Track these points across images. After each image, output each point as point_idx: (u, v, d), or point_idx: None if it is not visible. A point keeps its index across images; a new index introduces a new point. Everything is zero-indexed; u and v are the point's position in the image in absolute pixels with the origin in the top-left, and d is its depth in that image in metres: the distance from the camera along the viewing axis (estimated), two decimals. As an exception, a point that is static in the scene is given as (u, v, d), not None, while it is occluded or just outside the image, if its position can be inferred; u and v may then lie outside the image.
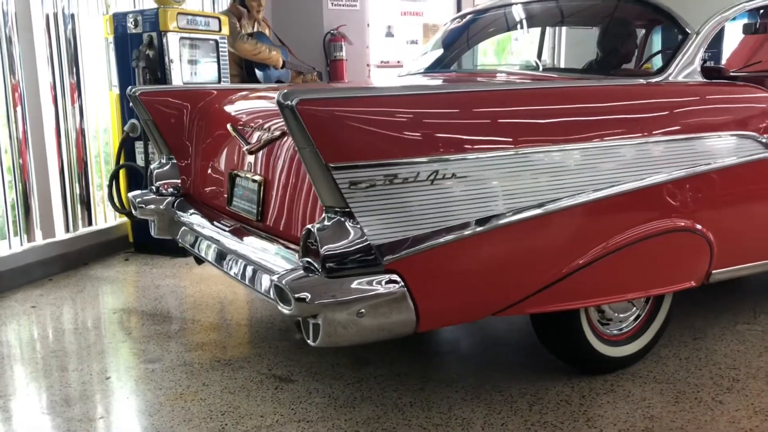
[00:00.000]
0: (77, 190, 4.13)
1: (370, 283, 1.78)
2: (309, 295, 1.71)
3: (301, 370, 2.50)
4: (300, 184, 2.15)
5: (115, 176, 4.15)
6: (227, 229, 2.44)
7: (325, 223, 1.78)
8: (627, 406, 2.20)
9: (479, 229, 1.90)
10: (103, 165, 4.40)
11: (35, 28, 3.76)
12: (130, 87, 2.95)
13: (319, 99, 1.70)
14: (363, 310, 1.77)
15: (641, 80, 2.45)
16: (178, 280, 3.69)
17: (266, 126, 2.39)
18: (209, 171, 2.87)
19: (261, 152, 2.40)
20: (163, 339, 2.82)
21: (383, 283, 1.79)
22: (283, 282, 1.73)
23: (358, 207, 1.76)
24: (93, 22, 4.24)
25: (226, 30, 4.37)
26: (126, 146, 4.13)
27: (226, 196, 2.66)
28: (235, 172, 2.56)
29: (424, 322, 1.89)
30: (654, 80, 2.39)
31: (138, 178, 4.10)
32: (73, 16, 4.06)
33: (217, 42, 4.32)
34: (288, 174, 2.23)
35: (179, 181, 3.03)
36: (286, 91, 1.68)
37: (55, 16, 3.94)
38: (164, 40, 3.94)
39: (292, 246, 2.12)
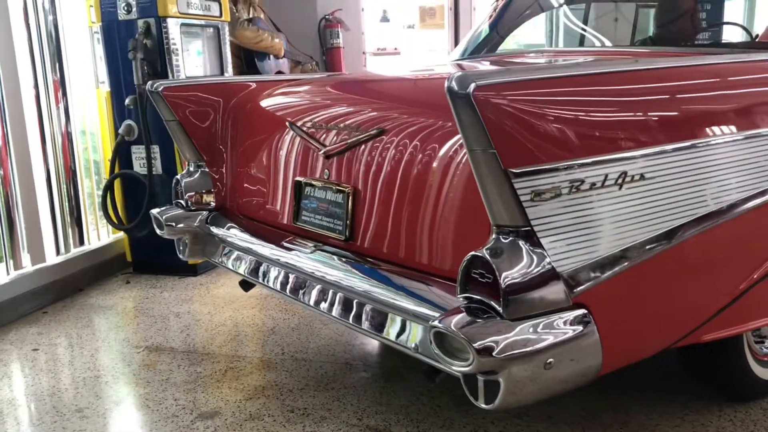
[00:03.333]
0: (66, 205, 3.56)
1: (559, 324, 1.36)
2: (496, 346, 1.28)
3: (398, 418, 2.06)
4: (418, 193, 1.70)
5: (109, 187, 3.60)
6: (307, 251, 1.97)
7: (499, 246, 1.34)
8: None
9: (668, 244, 1.51)
10: (93, 174, 3.82)
11: (13, 19, 3.18)
12: (150, 83, 2.44)
13: (502, 84, 1.27)
14: (551, 360, 1.35)
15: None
16: (198, 305, 3.18)
17: (352, 123, 1.93)
18: (255, 179, 2.39)
19: (346, 156, 1.93)
20: (211, 384, 2.34)
21: (572, 322, 1.37)
22: (456, 328, 1.29)
23: (542, 225, 1.34)
24: (76, 9, 3.65)
25: (227, 15, 3.85)
26: (121, 152, 3.58)
27: (288, 209, 2.19)
28: (305, 180, 2.09)
29: (606, 366, 1.48)
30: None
31: (137, 189, 3.56)
32: (53, 2, 3.47)
33: (218, 28, 3.79)
34: (393, 182, 1.78)
35: (212, 192, 2.55)
36: (459, 74, 1.23)
37: (35, 3, 3.35)
38: (164, 27, 3.41)
39: (414, 275, 1.67)
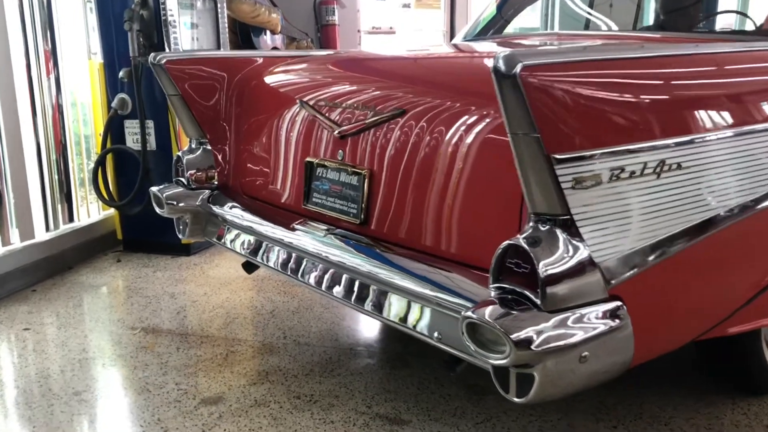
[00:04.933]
0: (56, 179, 3.44)
1: (595, 316, 1.31)
2: (534, 339, 1.23)
3: (408, 407, 2.01)
4: (441, 178, 1.64)
5: (101, 162, 3.49)
6: (320, 234, 1.90)
7: (537, 235, 1.29)
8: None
9: (703, 235, 1.46)
10: (84, 148, 3.70)
11: (3, -17, 3.05)
12: (153, 54, 2.35)
13: (550, 65, 1.21)
14: (586, 354, 1.30)
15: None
16: (193, 285, 3.11)
17: (370, 103, 1.86)
18: (261, 158, 2.31)
19: (363, 136, 1.86)
20: (212, 369, 2.27)
21: (607, 315, 1.33)
22: (493, 319, 1.24)
23: (581, 213, 1.29)
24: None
25: (224, -13, 3.73)
26: (113, 126, 3.47)
27: (297, 190, 2.11)
28: (316, 161, 2.01)
29: (636, 359, 1.44)
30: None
31: (130, 165, 3.45)
32: (45, -33, 3.34)
33: (215, 1, 3.67)
34: (413, 165, 1.71)
35: (214, 170, 2.46)
36: (507, 53, 1.17)
37: (25, -33, 3.22)
38: (161, -2, 3.29)
39: (435, 262, 1.61)
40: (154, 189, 2.43)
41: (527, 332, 1.23)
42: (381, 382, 2.16)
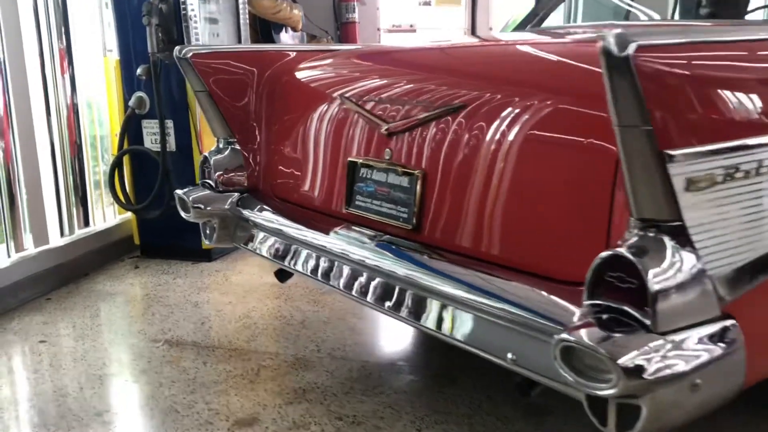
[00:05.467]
0: (71, 182, 3.28)
1: (709, 338, 1.13)
2: (646, 366, 1.05)
3: (462, 429, 1.83)
4: (508, 178, 1.46)
5: (117, 164, 3.33)
6: (367, 241, 1.72)
7: (644, 244, 1.11)
8: None
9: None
10: (100, 149, 3.53)
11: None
12: (179, 48, 2.18)
13: (669, 46, 1.03)
14: (699, 381, 1.12)
15: None
16: (217, 294, 2.94)
17: (423, 97, 1.68)
18: (294, 158, 2.14)
19: (415, 134, 1.69)
20: (244, 386, 2.10)
21: (721, 336, 1.15)
22: (596, 343, 1.06)
23: (694, 219, 1.11)
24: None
25: (245, -19, 3.57)
26: (130, 126, 3.30)
27: (336, 193, 1.94)
28: (361, 160, 1.84)
29: (745, 384, 1.26)
30: None
31: (148, 166, 3.29)
32: (60, -39, 3.18)
33: (237, -5, 3.51)
34: (475, 165, 1.53)
35: (244, 172, 2.30)
36: (617, 32, 0.99)
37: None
38: (181, -10, 3.13)
39: (504, 273, 1.44)
40: (179, 192, 2.27)
41: (637, 358, 1.05)
42: (429, 401, 1.99)
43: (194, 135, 3.24)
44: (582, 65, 1.46)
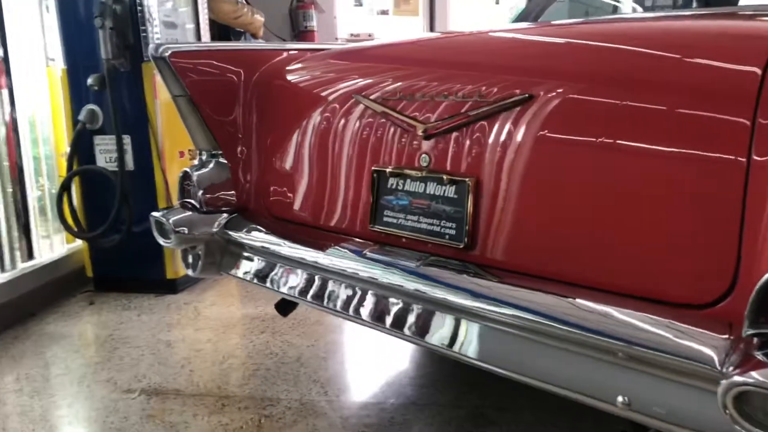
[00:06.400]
0: (12, 209, 2.86)
1: None
2: None
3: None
4: (599, 183, 1.21)
5: (66, 187, 2.93)
6: (411, 264, 1.43)
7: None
8: None
9: None
10: (45, 171, 3.11)
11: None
12: (153, 46, 1.86)
13: None
14: None
15: None
16: (190, 330, 2.58)
17: (469, 90, 1.42)
18: (295, 170, 1.84)
19: (462, 134, 1.42)
20: (247, 442, 1.77)
21: None
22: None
23: None
24: (20, -32, 2.97)
25: (205, -18, 3.25)
26: (81, 143, 2.92)
27: (358, 208, 1.65)
28: (389, 169, 1.56)
29: None
30: None
31: (101, 188, 2.91)
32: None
33: (196, -2, 3.19)
34: (545, 169, 1.28)
35: (232, 189, 1.99)
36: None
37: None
38: (137, -10, 2.78)
39: (601, 297, 1.18)
40: (156, 214, 1.92)
41: None
42: (470, 447, 1.71)
43: (155, 152, 2.89)
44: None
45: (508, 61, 1.48)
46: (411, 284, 1.40)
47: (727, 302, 1.05)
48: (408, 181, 1.53)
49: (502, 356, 1.28)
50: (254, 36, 3.86)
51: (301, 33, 4.82)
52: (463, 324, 1.33)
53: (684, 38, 1.33)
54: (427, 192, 1.49)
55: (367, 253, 1.54)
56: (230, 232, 1.90)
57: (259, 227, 1.88)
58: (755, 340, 0.92)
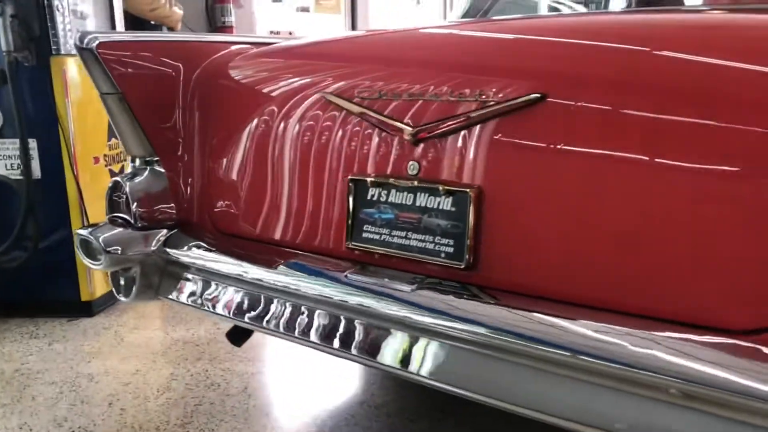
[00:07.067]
0: None
1: None
2: None
3: None
4: (622, 194, 1.06)
5: (-41, 198, 2.54)
6: (405, 288, 1.24)
7: None
8: None
9: None
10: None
11: None
12: (79, 35, 1.60)
13: None
14: None
15: None
16: (115, 360, 2.27)
17: (468, 89, 1.24)
18: (251, 180, 1.62)
19: (459, 137, 1.25)
20: (201, 496, 1.52)
21: None
22: None
23: None
24: None
25: (118, -30, 2.92)
26: (-24, 149, 2.54)
27: (331, 224, 1.45)
28: (371, 178, 1.36)
29: None
30: None
31: (3, 199, 2.54)
32: None
33: (108, -13, 2.86)
34: (560, 178, 1.13)
35: (171, 201, 1.73)
36: None
37: None
38: (41, -26, 2.44)
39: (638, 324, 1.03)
40: (83, 232, 1.64)
41: None
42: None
43: (67, 157, 2.55)
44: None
45: (519, 58, 1.31)
46: (407, 313, 1.21)
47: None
48: (393, 191, 1.34)
49: (522, 394, 1.11)
50: (171, 29, 3.54)
51: (218, 28, 4.51)
52: (480, 358, 1.15)
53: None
54: (417, 204, 1.31)
55: (348, 275, 1.34)
56: (170, 251, 1.65)
57: (203, 244, 1.65)
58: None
